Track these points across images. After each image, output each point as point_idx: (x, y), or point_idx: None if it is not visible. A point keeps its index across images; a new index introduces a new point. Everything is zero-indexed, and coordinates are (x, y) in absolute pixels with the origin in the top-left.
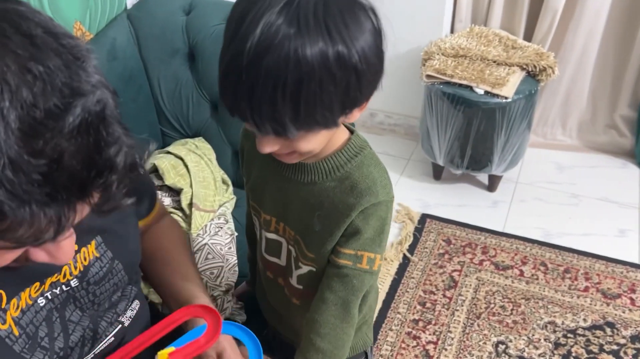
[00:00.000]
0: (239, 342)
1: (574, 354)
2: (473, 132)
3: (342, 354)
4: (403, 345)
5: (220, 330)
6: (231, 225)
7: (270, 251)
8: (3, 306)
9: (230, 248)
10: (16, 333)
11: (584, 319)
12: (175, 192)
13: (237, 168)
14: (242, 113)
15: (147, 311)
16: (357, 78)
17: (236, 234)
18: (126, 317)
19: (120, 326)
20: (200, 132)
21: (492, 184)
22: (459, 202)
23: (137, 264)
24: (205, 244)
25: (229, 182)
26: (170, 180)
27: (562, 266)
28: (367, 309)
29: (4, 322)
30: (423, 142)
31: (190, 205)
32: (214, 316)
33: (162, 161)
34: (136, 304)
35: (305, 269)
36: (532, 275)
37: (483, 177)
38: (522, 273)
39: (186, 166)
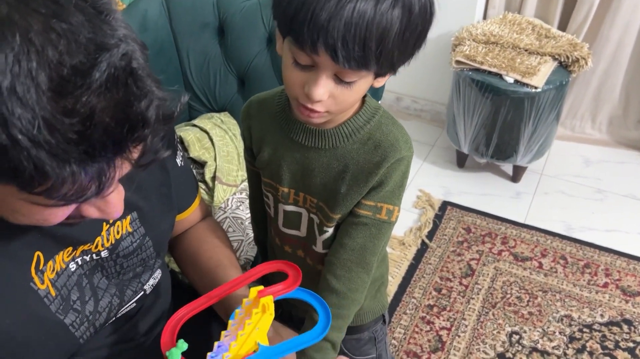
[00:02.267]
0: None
1: (588, 348)
2: (500, 120)
3: (356, 299)
4: (416, 329)
5: (299, 281)
6: None
7: (289, 224)
8: (41, 268)
9: (252, 227)
10: (53, 293)
11: (601, 315)
12: (199, 165)
13: None
14: (330, 36)
15: (168, 279)
16: (422, 32)
17: None
18: (149, 285)
19: (142, 293)
20: (226, 106)
21: (516, 175)
22: (481, 191)
23: (166, 241)
24: (226, 217)
25: None
26: (195, 152)
27: (583, 260)
28: (384, 269)
29: (42, 282)
30: (449, 129)
31: (214, 178)
32: (295, 269)
33: (187, 133)
34: (158, 274)
35: (330, 231)
36: (551, 268)
37: (507, 167)
38: (541, 266)
39: (211, 140)
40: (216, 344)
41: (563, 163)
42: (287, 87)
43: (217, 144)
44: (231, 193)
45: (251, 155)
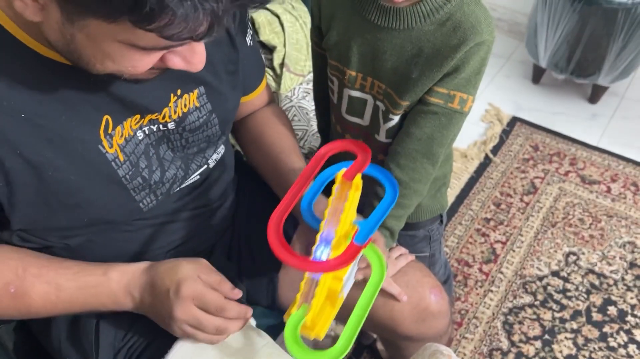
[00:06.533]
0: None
1: None
2: (587, 33)
3: (418, 189)
4: (470, 240)
5: (370, 157)
6: None
7: (353, 111)
8: (110, 132)
9: (315, 114)
10: (121, 158)
11: None
12: (267, 50)
13: None
14: None
15: (231, 153)
16: None
17: None
18: (212, 159)
19: (206, 166)
20: None
21: (595, 95)
22: (554, 110)
23: (231, 121)
24: (292, 106)
25: None
26: (264, 36)
27: None
28: (448, 169)
29: (111, 146)
30: (528, 41)
31: (282, 65)
32: (362, 146)
33: (258, 15)
34: (222, 149)
35: (396, 119)
36: (620, 194)
37: (586, 87)
38: (609, 190)
39: (281, 24)
40: (317, 236)
41: None
42: None
43: (287, 30)
44: (298, 83)
45: (319, 35)
